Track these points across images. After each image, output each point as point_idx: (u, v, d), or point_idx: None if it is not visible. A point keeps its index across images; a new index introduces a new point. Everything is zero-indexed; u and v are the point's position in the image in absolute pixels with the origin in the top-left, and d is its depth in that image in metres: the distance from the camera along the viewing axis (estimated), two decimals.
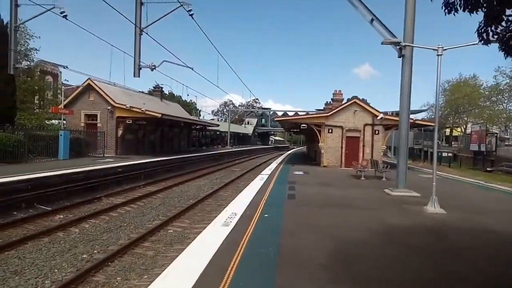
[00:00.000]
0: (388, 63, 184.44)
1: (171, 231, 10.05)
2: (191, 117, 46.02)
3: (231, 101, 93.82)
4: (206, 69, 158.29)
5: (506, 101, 38.85)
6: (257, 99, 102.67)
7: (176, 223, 10.99)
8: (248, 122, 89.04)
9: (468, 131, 48.49)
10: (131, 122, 25.29)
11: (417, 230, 7.19)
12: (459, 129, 55.53)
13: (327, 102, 36.73)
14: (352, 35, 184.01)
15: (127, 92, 31.55)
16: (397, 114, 25.86)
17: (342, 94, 29.26)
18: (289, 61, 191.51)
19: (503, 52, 4.33)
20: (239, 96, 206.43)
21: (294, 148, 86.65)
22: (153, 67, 17.70)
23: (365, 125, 23.74)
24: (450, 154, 39.11)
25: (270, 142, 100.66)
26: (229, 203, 10.24)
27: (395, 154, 53.32)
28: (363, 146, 23.78)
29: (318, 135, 24.17)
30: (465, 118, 50.67)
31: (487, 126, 39.17)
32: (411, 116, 19.17)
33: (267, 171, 19.82)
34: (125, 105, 24.92)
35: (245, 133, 78.30)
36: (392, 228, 7.27)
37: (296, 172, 19.10)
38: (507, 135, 61.80)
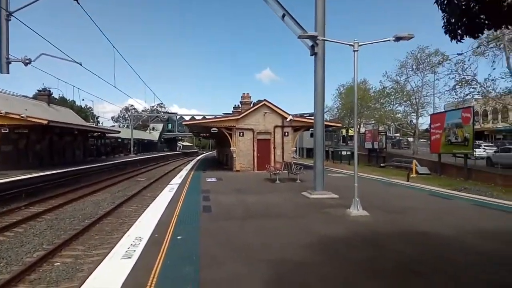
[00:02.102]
0: (288, 68, 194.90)
1: (58, 263, 7.95)
2: (87, 124, 41.16)
3: (133, 106, 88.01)
4: (99, 67, 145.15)
5: (393, 103, 43.20)
6: (162, 103, 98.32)
7: (65, 251, 8.85)
8: (153, 128, 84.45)
9: (362, 130, 53.28)
10: (7, 130, 20.94)
11: (352, 240, 6.52)
12: (353, 129, 60.70)
13: (235, 105, 36.30)
14: (255, 39, 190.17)
15: (2, 96, 26.45)
16: (301, 116, 26.62)
17: (250, 97, 28.98)
18: (192, 66, 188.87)
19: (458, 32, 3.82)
20: (142, 101, 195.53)
21: (203, 153, 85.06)
22: (27, 61, 14.50)
23: (275, 127, 23.69)
24: (349, 152, 42.05)
25: (178, 148, 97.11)
26: (134, 222, 8.54)
27: (303, 155, 56.04)
28: (274, 148, 23.70)
29: (230, 139, 23.31)
30: (359, 119, 55.49)
31: (378, 125, 43.21)
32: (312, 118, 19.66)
33: (177, 179, 18.13)
34: None
35: (151, 140, 73.89)
36: (326, 240, 6.52)
37: (209, 179, 17.82)
38: (390, 133, 69.58)
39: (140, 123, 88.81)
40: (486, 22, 3.59)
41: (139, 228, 7.44)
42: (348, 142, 65.17)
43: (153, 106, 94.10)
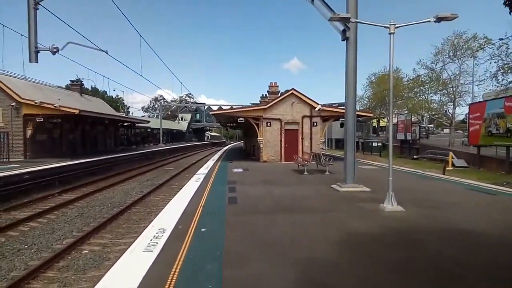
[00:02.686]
0: (317, 57, 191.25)
1: (86, 251, 8.01)
2: (117, 114, 42.11)
3: (162, 96, 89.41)
4: (125, 56, 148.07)
5: (427, 92, 41.20)
6: (190, 93, 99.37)
7: (94, 239, 8.95)
8: (181, 118, 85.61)
9: (394, 121, 51.37)
10: (42, 120, 21.64)
11: (387, 238, 6.04)
12: (385, 120, 58.67)
13: (263, 95, 35.85)
14: (282, 27, 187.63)
15: (37, 86, 27.37)
16: (330, 105, 25.80)
17: (278, 87, 28.45)
18: (219, 56, 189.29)
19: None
20: (170, 91, 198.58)
21: (231, 144, 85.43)
22: (55, 50, 14.65)
23: (303, 117, 23.11)
24: (379, 144, 40.70)
25: (206, 138, 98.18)
26: (160, 211, 8.46)
27: (331, 146, 54.99)
28: (302, 138, 23.16)
29: (257, 129, 22.99)
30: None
31: (413, 115, 41.42)
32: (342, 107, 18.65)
33: (204, 169, 18.08)
34: (33, 100, 21.26)
35: (179, 130, 74.97)
36: (359, 237, 6.09)
37: (236, 170, 17.64)
38: (423, 124, 66.84)
39: (169, 113, 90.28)
40: None
41: (163, 219, 7.29)
42: (379, 133, 63.27)
43: (181, 97, 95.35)
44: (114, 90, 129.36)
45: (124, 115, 46.40)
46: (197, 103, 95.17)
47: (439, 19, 7.72)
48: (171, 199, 10.18)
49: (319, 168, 17.27)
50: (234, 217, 7.55)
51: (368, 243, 5.75)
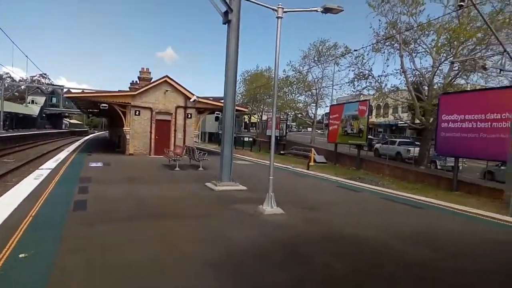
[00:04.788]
0: (192, 50, 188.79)
1: None
2: None
3: (8, 74, 73.98)
4: None
5: (295, 92, 44.27)
6: (44, 74, 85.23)
7: None
8: (32, 101, 72.53)
9: (264, 118, 53.97)
10: None
11: (269, 251, 5.06)
12: (256, 116, 61.18)
13: (133, 81, 32.45)
14: (155, 17, 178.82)
15: None
16: (206, 98, 24.83)
17: (150, 73, 25.92)
18: (84, 38, 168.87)
19: None
20: (20, 70, 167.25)
21: (95, 133, 76.55)
22: None
23: (177, 107, 21.46)
24: (251, 139, 41.88)
25: (64, 126, 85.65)
26: None
27: (205, 139, 54.24)
28: (175, 130, 21.50)
29: (123, 118, 20.27)
30: (262, 106, 56.02)
31: (281, 113, 43.97)
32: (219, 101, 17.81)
33: (51, 163, 14.72)
34: None
35: (28, 114, 63.15)
36: (237, 252, 5.00)
37: (93, 164, 14.87)
38: (288, 122, 72.53)
39: (16, 94, 75.63)
40: None
41: None
42: (250, 128, 65.79)
43: (33, 77, 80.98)
44: None
45: None
46: (53, 85, 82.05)
47: (326, 10, 7.38)
48: None
49: (192, 163, 16.02)
50: (77, 229, 5.64)
51: (249, 260, 4.72)
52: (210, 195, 9.31)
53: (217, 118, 39.31)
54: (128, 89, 29.15)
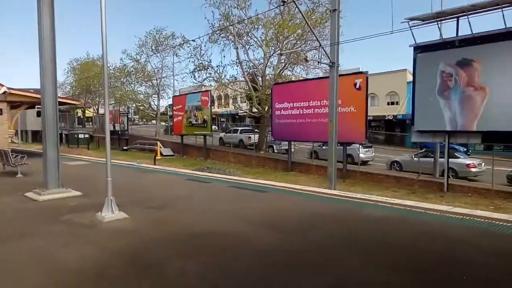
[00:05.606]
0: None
1: None
2: None
3: None
4: None
5: (134, 83, 41.51)
6: None
7: None
8: None
9: (101, 111, 48.94)
10: None
11: (112, 272, 4.21)
12: (91, 109, 54.96)
13: None
14: None
15: None
16: (21, 90, 20.61)
17: None
18: None
19: None
20: None
21: None
22: None
23: None
24: (87, 136, 37.42)
25: None
26: None
27: (27, 139, 45.39)
28: None
29: None
30: (97, 99, 50.61)
31: (120, 106, 40.63)
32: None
33: None
34: None
35: None
36: (73, 277, 4.01)
37: None
38: (130, 115, 68.38)
39: None
40: None
41: None
42: (86, 124, 58.69)
43: None
44: None
45: None
46: None
47: None
48: None
49: (7, 169, 12.97)
50: None
51: None
52: (32, 207, 7.52)
53: (39, 114, 33.39)
54: None
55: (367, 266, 4.32)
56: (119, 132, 38.14)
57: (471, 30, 12.29)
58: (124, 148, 34.68)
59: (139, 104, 44.23)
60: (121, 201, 7.10)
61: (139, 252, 4.82)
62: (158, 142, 29.33)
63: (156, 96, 41.47)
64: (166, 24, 37.65)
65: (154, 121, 47.59)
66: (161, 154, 26.92)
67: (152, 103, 44.16)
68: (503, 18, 11.48)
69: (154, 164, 20.51)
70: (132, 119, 65.24)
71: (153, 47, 37.67)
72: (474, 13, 12.28)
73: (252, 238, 5.46)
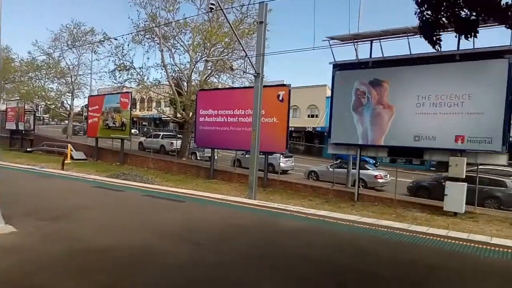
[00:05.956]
0: None
1: None
2: None
3: None
4: None
5: (44, 78, 37.41)
6: None
7: None
8: None
9: (3, 107, 43.27)
10: None
11: None
12: None
13: None
14: None
15: None
16: None
17: None
18: None
19: None
20: None
21: None
22: None
23: None
24: None
25: None
26: None
27: None
28: None
29: None
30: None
31: (26, 103, 36.34)
32: None
33: None
34: None
35: None
36: None
37: None
38: (39, 114, 61.87)
39: None
40: None
41: None
42: None
43: None
44: None
45: None
46: None
47: None
48: None
49: None
50: None
51: None
52: None
53: None
54: None
55: (270, 281, 4.22)
56: (23, 132, 34.19)
57: (382, 53, 13.50)
58: (28, 149, 31.07)
59: (50, 103, 39.99)
60: (11, 213, 6.13)
61: (24, 273, 4.09)
62: (69, 145, 26.71)
63: (70, 94, 37.93)
64: (85, 20, 34.70)
65: (67, 121, 43.45)
66: (71, 157, 24.55)
67: (66, 102, 40.35)
68: (408, 45, 12.85)
69: (62, 169, 18.63)
70: (42, 118, 59.04)
71: (69, 42, 34.54)
72: (386, 38, 13.50)
73: (159, 253, 5.05)
